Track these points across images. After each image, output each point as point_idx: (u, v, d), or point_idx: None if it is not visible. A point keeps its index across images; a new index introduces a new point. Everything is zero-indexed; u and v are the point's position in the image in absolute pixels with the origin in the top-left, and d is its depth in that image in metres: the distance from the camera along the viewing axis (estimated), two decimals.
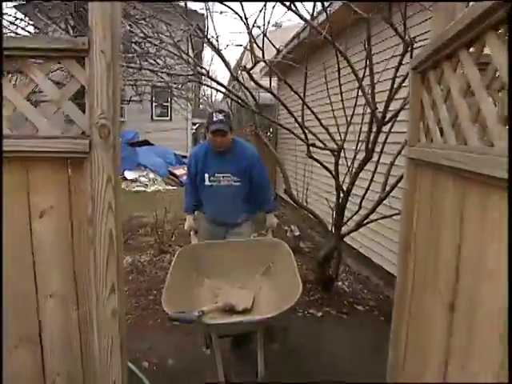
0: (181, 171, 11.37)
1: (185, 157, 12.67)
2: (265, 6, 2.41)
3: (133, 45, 6.50)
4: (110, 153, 1.31)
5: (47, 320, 1.46)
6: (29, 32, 8.12)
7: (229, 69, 3.05)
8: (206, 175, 2.78)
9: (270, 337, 2.16)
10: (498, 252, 0.87)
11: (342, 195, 3.21)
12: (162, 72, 3.72)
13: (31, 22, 8.23)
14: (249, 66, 2.98)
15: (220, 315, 2.16)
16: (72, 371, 1.53)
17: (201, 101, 16.11)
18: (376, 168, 3.27)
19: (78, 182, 1.38)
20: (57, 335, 1.49)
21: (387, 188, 3.05)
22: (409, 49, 2.09)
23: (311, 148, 3.27)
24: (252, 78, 2.93)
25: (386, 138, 3.06)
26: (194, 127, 15.58)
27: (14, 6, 8.49)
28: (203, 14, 5.02)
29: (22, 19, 8.22)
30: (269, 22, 2.64)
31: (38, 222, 1.39)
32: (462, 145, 1.12)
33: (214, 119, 2.60)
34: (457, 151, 1.10)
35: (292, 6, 2.25)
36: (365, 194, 3.39)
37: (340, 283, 4.00)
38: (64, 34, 7.37)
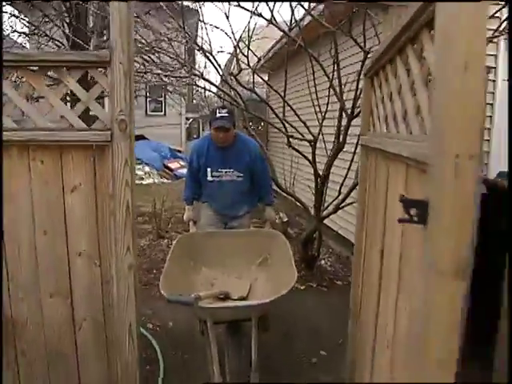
0: (175, 165, 11.71)
1: (179, 151, 12.99)
2: (249, 23, 2.81)
3: None
4: (127, 142, 1.70)
5: (76, 274, 1.85)
6: (24, 33, 8.38)
7: (219, 73, 3.42)
8: (209, 170, 2.79)
9: (262, 324, 2.23)
10: (400, 207, 1.27)
11: (319, 181, 3.62)
12: (159, 74, 4.11)
13: (26, 19, 8.48)
14: (242, 66, 3.37)
15: (216, 302, 2.19)
16: (96, 316, 1.92)
17: (194, 96, 16.41)
18: (353, 158, 3.68)
19: (101, 165, 1.77)
20: (84, 286, 1.88)
21: None
22: (368, 56, 2.49)
23: (294, 139, 3.68)
24: (239, 82, 3.32)
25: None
26: (188, 122, 15.91)
27: (10, 4, 8.67)
28: (197, 10, 5.31)
29: (17, 16, 8.49)
30: (251, 36, 3.03)
31: (69, 195, 1.77)
32: (388, 133, 1.53)
33: (218, 115, 2.62)
34: (384, 138, 1.51)
35: (272, 19, 2.64)
36: (343, 181, 3.81)
37: (323, 262, 4.44)
38: (60, 31, 7.65)
